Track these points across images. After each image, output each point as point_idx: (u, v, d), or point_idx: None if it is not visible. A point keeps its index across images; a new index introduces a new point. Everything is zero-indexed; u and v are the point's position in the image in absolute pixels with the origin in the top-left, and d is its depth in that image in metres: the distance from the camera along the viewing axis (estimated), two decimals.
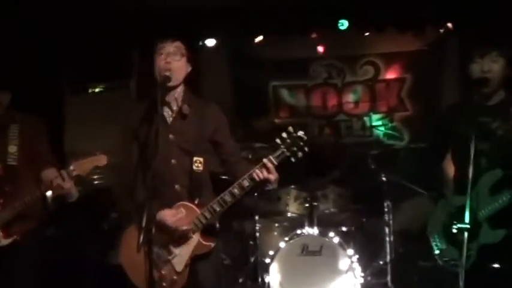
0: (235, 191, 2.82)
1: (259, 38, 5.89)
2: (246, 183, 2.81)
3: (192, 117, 2.97)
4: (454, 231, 2.77)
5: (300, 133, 2.78)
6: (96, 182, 5.77)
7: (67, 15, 5.35)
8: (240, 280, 4.93)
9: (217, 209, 2.85)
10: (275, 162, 2.78)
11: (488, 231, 2.96)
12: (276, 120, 6.41)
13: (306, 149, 2.77)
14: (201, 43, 5.86)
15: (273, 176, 2.81)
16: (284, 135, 2.78)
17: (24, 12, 5.08)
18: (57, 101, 5.84)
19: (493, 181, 3.00)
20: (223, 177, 3.12)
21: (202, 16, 5.57)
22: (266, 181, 2.81)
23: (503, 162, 3.02)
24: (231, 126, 3.13)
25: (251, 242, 5.18)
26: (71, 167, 3.13)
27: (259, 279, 4.81)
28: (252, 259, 5.02)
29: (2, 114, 3.44)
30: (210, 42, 5.84)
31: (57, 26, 5.38)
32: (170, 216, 2.86)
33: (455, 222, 2.73)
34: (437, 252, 3.23)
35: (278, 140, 2.79)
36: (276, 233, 5.06)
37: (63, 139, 5.85)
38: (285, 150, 2.77)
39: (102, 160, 3.16)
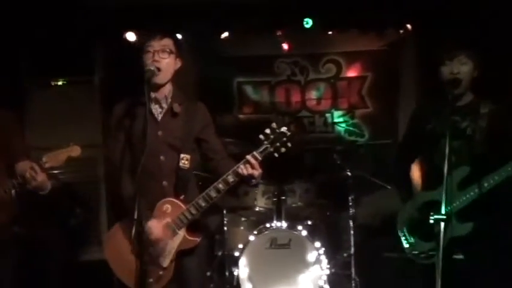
0: (220, 186, 2.88)
1: (225, 35, 5.93)
2: (230, 178, 2.87)
3: (181, 115, 3.01)
4: (427, 224, 2.89)
5: (283, 129, 2.85)
6: (61, 177, 5.70)
7: (30, 7, 5.24)
8: (208, 274, 4.99)
9: (203, 205, 2.91)
10: (259, 158, 2.85)
11: (457, 224, 3.11)
12: (241, 116, 6.47)
13: (289, 144, 2.85)
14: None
15: (256, 172, 2.88)
16: (267, 131, 2.85)
17: None
18: (18, 94, 5.71)
19: (461, 177, 3.15)
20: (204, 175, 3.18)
21: (167, 12, 5.57)
22: (250, 177, 2.87)
23: (471, 160, 3.18)
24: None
25: (217, 237, 5.25)
26: (44, 159, 3.10)
27: (227, 273, 4.89)
28: (220, 253, 5.09)
29: None
30: (178, 37, 5.83)
31: (19, 17, 5.27)
32: (158, 229, 2.87)
33: (431, 213, 2.86)
34: (406, 246, 3.35)
35: (262, 136, 2.86)
36: (243, 228, 5.14)
37: (24, 132, 5.73)
38: (269, 145, 2.84)
39: (76, 151, 3.13)
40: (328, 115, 6.45)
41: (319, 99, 6.52)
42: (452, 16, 5.23)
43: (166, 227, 2.92)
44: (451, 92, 3.20)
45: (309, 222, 4.99)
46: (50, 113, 5.80)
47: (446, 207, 2.88)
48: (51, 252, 4.90)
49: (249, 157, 2.86)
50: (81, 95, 5.88)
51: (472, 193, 3.12)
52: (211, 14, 5.67)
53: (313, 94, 6.51)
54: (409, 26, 5.90)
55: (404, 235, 3.37)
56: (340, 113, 6.46)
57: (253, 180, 2.92)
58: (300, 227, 4.72)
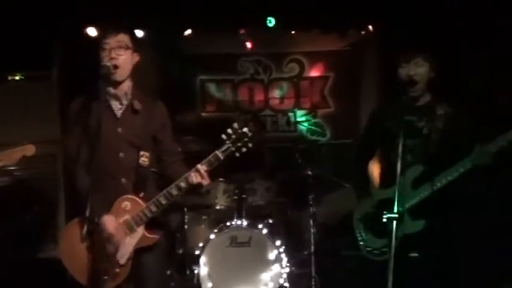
0: (182, 184, 2.87)
1: (188, 32, 5.89)
2: (182, 184, 2.88)
3: (141, 112, 2.98)
4: (381, 221, 2.94)
5: (245, 129, 2.88)
6: (17, 174, 5.58)
7: None
8: (168, 272, 4.95)
9: (163, 202, 2.90)
10: (221, 157, 2.86)
11: (409, 221, 3.18)
12: (203, 114, 6.45)
13: (250, 144, 2.88)
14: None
15: (205, 181, 2.90)
16: (229, 131, 2.87)
17: None
18: None
19: (415, 175, 3.22)
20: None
21: (130, 6, 5.49)
22: (199, 185, 2.90)
23: (425, 159, 3.25)
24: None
25: (178, 235, 5.22)
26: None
27: (188, 271, 4.86)
28: (180, 251, 5.06)
29: None
30: (138, 33, 5.76)
31: None
32: (112, 224, 2.85)
33: (385, 212, 2.91)
34: (361, 243, 3.41)
35: (224, 136, 2.87)
36: (203, 226, 5.12)
37: None
38: (231, 145, 2.86)
39: (30, 150, 3.12)
40: (290, 114, 6.49)
41: (282, 99, 6.55)
42: (412, 18, 5.31)
43: (125, 224, 2.88)
44: (407, 93, 3.26)
45: (270, 221, 5.00)
46: (6, 109, 5.65)
47: (398, 205, 2.92)
48: (4, 250, 4.78)
49: (199, 166, 2.87)
50: (38, 90, 5.74)
51: (424, 191, 3.19)
52: (173, 10, 5.62)
53: (276, 93, 6.54)
54: (370, 27, 5.98)
55: (359, 232, 3.43)
56: (302, 112, 6.51)
57: (202, 189, 2.94)
58: (260, 226, 4.73)
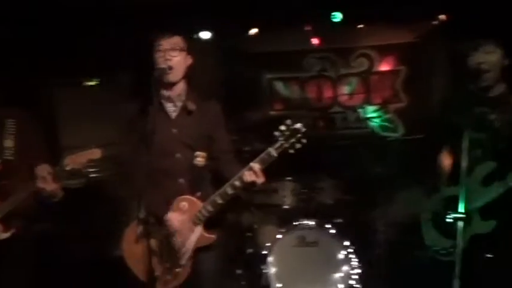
0: (237, 183, 2.84)
1: (253, 31, 5.89)
2: (237, 183, 2.86)
3: (195, 113, 3.01)
4: (449, 220, 2.79)
5: (298, 125, 2.81)
6: (92, 175, 5.79)
7: (61, 8, 5.33)
8: (238, 272, 4.96)
9: (219, 202, 2.88)
10: (275, 155, 2.80)
11: (479, 221, 3.02)
12: (271, 113, 6.41)
13: (304, 140, 2.81)
14: (194, 36, 5.84)
15: (259, 180, 2.84)
16: (282, 127, 2.81)
17: (16, 7, 5.06)
18: (50, 95, 5.83)
19: (486, 172, 3.06)
20: None
21: (195, 9, 5.56)
22: (252, 184, 2.85)
23: (497, 154, 3.08)
24: (226, 119, 3.16)
25: (248, 234, 5.22)
26: (65, 161, 3.18)
27: (257, 271, 4.85)
28: (249, 251, 5.05)
29: None
30: (204, 35, 5.83)
31: (52, 18, 5.37)
32: (177, 220, 2.88)
33: (449, 212, 2.76)
34: (428, 242, 3.30)
35: (277, 133, 2.82)
36: (272, 225, 5.09)
37: (56, 133, 5.85)
38: (284, 142, 2.80)
39: (96, 154, 3.21)
40: (360, 110, 6.33)
41: (351, 95, 6.39)
42: (486, 4, 5.03)
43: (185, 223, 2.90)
44: (476, 83, 3.07)
45: (338, 220, 4.89)
46: (81, 113, 5.89)
47: (466, 204, 2.79)
48: (78, 249, 4.97)
49: (252, 164, 2.83)
50: (111, 94, 5.93)
51: (496, 190, 3.01)
52: (237, 10, 5.63)
53: (345, 89, 6.39)
54: (443, 16, 5.71)
55: (427, 231, 3.30)
56: (373, 108, 6.32)
57: (255, 187, 2.89)
58: (328, 225, 4.63)
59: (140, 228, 2.56)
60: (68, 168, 3.18)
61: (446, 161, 3.38)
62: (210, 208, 2.90)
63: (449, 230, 3.03)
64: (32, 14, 5.24)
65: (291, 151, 2.81)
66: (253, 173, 2.82)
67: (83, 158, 3.18)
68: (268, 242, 4.75)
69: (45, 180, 3.17)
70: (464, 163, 2.80)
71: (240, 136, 4.96)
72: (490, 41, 3.12)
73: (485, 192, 3.03)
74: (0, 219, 3.31)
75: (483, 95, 3.13)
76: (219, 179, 2.96)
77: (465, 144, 2.83)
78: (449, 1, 5.48)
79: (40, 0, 5.21)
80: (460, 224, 2.72)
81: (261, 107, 6.38)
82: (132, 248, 2.81)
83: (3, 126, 3.42)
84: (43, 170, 3.25)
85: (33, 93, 5.20)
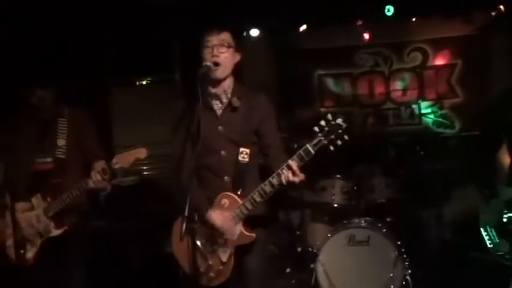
0: (274, 181, 2.79)
1: (303, 28, 5.82)
2: (274, 181, 2.77)
3: (241, 109, 2.95)
4: (504, 220, 2.65)
5: (339, 120, 2.67)
6: (145, 173, 5.90)
7: (114, 8, 5.43)
8: (288, 270, 4.93)
9: (258, 200, 2.83)
10: (312, 151, 2.72)
11: None
12: (322, 110, 6.34)
13: (346, 137, 2.66)
14: (245, 34, 5.84)
15: (297, 178, 2.74)
16: (322, 122, 2.69)
17: (69, 6, 5.18)
18: (103, 94, 5.95)
19: None
20: None
21: (245, 6, 5.55)
22: (291, 182, 2.76)
23: None
24: (276, 116, 3.10)
25: (298, 232, 5.17)
26: (114, 160, 3.24)
27: (307, 269, 4.80)
28: (299, 249, 5.01)
29: (48, 109, 3.52)
30: (254, 32, 5.82)
31: (104, 18, 5.48)
32: (219, 218, 2.87)
33: (505, 211, 2.62)
34: (490, 246, 3.17)
35: (316, 128, 2.70)
36: (322, 224, 5.01)
37: (110, 132, 5.98)
38: (323, 138, 2.68)
39: (142, 153, 3.25)
40: (414, 106, 6.17)
41: (404, 90, 6.25)
42: None
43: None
44: None
45: (390, 219, 4.77)
46: (134, 112, 6.00)
47: None
48: (133, 245, 5.06)
49: (290, 162, 2.73)
50: (163, 93, 6.01)
51: None
52: (289, 7, 5.58)
53: (398, 85, 6.25)
54: (501, 7, 5.48)
55: (488, 234, 3.18)
56: (427, 103, 6.16)
57: (295, 185, 2.80)
58: (379, 224, 4.52)
59: (184, 226, 2.56)
60: (116, 166, 3.24)
61: (505, 159, 3.24)
62: (249, 206, 2.84)
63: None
64: (87, 14, 5.36)
65: (331, 148, 2.68)
66: (291, 172, 2.74)
67: (131, 157, 3.24)
68: (318, 241, 4.68)
69: (101, 176, 3.26)
70: None
71: (289, 133, 4.92)
72: None
73: None
74: (53, 216, 3.41)
75: None
76: (266, 176, 2.90)
77: None
78: None
79: (96, 2, 5.33)
80: None
81: (312, 104, 6.34)
82: (179, 245, 2.82)
83: (56, 125, 3.52)
84: (99, 166, 3.33)
85: (87, 92, 5.32)
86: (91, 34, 5.44)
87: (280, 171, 2.76)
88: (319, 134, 2.69)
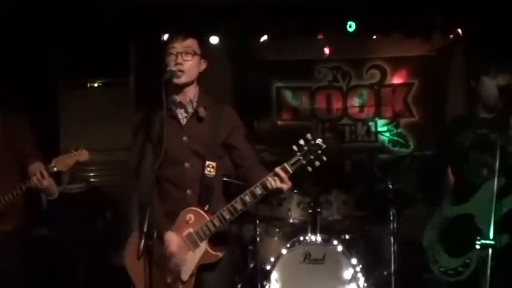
0: (247, 198, 2.66)
1: (264, 38, 5.73)
2: (258, 191, 2.65)
3: (207, 119, 2.81)
4: (477, 247, 2.68)
5: (319, 141, 2.60)
6: (92, 180, 5.64)
7: (67, 9, 5.21)
8: (239, 286, 4.79)
9: (228, 217, 2.69)
10: (290, 171, 2.62)
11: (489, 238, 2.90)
12: (279, 123, 6.26)
13: (324, 158, 2.60)
14: (205, 40, 5.69)
15: (285, 186, 2.65)
16: (301, 142, 2.61)
17: (21, 6, 4.94)
18: (52, 95, 5.69)
19: (494, 189, 2.93)
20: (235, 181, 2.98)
21: (205, 13, 5.42)
22: (278, 191, 2.66)
23: (504, 172, 2.99)
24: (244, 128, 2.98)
25: (250, 247, 5.04)
26: (52, 163, 3.10)
27: (259, 286, 4.66)
28: (252, 265, 4.87)
29: None
30: (213, 40, 5.68)
31: (56, 19, 5.24)
32: (175, 242, 2.71)
33: (478, 238, 2.64)
34: (433, 261, 3.20)
35: (295, 147, 2.61)
36: (276, 239, 4.91)
37: (58, 135, 5.72)
38: (301, 158, 2.60)
39: (83, 156, 3.12)
40: (371, 124, 6.17)
41: (361, 107, 6.24)
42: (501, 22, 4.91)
43: (188, 238, 2.72)
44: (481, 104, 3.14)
45: (346, 237, 4.71)
46: (84, 114, 5.75)
47: (470, 223, 2.87)
48: (77, 255, 4.81)
49: (278, 170, 2.62)
50: (116, 97, 5.80)
51: (505, 206, 2.96)
52: (250, 16, 5.49)
53: (355, 101, 6.24)
54: (459, 30, 5.57)
55: (432, 251, 3.22)
56: (384, 121, 6.17)
57: (281, 195, 2.69)
58: (335, 242, 4.45)
59: (142, 243, 2.37)
60: (54, 169, 3.09)
61: (450, 179, 3.36)
62: (217, 223, 2.70)
63: (456, 249, 3.01)
64: (38, 13, 5.12)
65: (309, 169, 2.61)
66: (278, 179, 2.61)
67: (71, 160, 3.10)
68: (271, 257, 4.56)
69: (42, 175, 3.08)
70: (495, 185, 2.72)
71: None
72: (499, 64, 3.09)
73: (496, 208, 2.89)
74: None
75: (483, 117, 3.16)
76: (231, 191, 2.77)
77: (471, 164, 2.86)
78: (467, 16, 5.35)
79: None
80: (490, 251, 2.59)
81: (269, 116, 6.24)
82: (134, 262, 2.63)
83: None
84: (36, 168, 3.17)
85: (33, 94, 5.06)
86: (42, 34, 5.18)
87: (265, 180, 2.63)
88: (298, 154, 2.60)
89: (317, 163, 2.60)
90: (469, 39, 5.54)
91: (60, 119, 5.71)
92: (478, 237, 2.68)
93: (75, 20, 5.31)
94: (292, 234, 4.75)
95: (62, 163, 3.07)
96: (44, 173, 3.08)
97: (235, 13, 5.47)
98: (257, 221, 4.79)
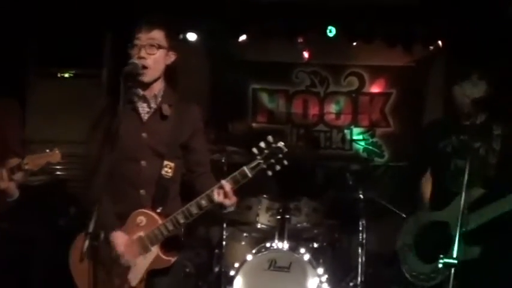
0: (203, 202, 2.52)
1: (242, 38, 5.62)
2: (203, 202, 2.51)
3: (170, 118, 2.66)
4: (440, 265, 2.60)
5: (280, 144, 2.46)
6: (58, 173, 5.44)
7: None
8: None
9: (182, 221, 2.54)
10: (249, 175, 2.49)
11: (464, 247, 2.86)
12: (254, 125, 6.16)
13: (285, 162, 2.46)
14: (181, 36, 5.55)
15: (229, 201, 2.51)
16: (262, 144, 2.46)
17: None
18: (20, 83, 5.48)
19: (473, 199, 2.96)
20: None
21: (184, 7, 5.28)
22: (221, 205, 2.53)
23: (483, 181, 3.02)
24: (205, 126, 2.85)
25: (216, 251, 4.91)
26: (25, 160, 2.98)
27: None
28: (216, 269, 4.74)
29: None
30: (191, 36, 5.54)
31: (29, 8, 5.07)
32: (122, 243, 2.55)
33: (441, 256, 2.63)
34: (405, 266, 3.18)
35: (255, 150, 2.47)
36: (243, 243, 4.77)
37: (23, 125, 5.51)
38: (262, 161, 2.45)
39: (55, 157, 3.00)
40: (346, 131, 6.11)
41: (338, 114, 6.18)
42: (483, 36, 4.87)
43: (138, 241, 2.57)
44: (461, 111, 3.10)
45: (315, 245, 4.60)
46: (54, 105, 5.56)
47: (443, 230, 2.82)
48: (37, 251, 4.62)
49: (223, 182, 2.49)
50: (87, 88, 5.61)
51: (483, 216, 2.93)
52: (228, 14, 5.37)
53: (332, 107, 6.18)
54: (439, 42, 5.53)
55: (404, 255, 3.20)
56: (359, 130, 6.11)
57: (225, 209, 2.56)
58: (302, 250, 4.33)
59: (87, 243, 2.22)
60: (26, 167, 2.98)
61: (427, 186, 3.32)
62: (170, 227, 2.54)
63: (429, 255, 2.98)
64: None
65: (270, 173, 2.47)
66: (222, 193, 2.50)
67: (42, 160, 2.98)
68: (236, 262, 4.43)
69: (1, 177, 2.99)
70: (462, 199, 2.68)
71: (218, 146, 4.68)
72: (477, 71, 3.07)
73: (470, 218, 2.92)
74: None
75: (465, 122, 3.12)
76: (188, 194, 2.63)
77: (465, 175, 2.74)
78: (448, 28, 5.31)
79: None
80: (452, 270, 2.54)
81: (244, 118, 6.13)
82: (78, 264, 2.47)
83: None
84: (9, 164, 3.04)
85: (7, 83, 4.87)
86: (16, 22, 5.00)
87: (210, 193, 2.50)
88: (258, 157, 2.46)
89: (277, 167, 2.46)
90: (452, 51, 5.50)
91: (27, 107, 5.48)
92: (441, 256, 2.63)
93: (50, 8, 5.13)
94: (260, 239, 4.62)
95: (33, 162, 2.96)
96: (4, 176, 2.98)
97: (214, 10, 5.34)
98: (224, 225, 4.66)
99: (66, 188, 5.26)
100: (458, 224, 2.67)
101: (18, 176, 3.04)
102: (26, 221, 4.71)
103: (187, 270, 4.86)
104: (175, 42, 2.73)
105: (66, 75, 5.72)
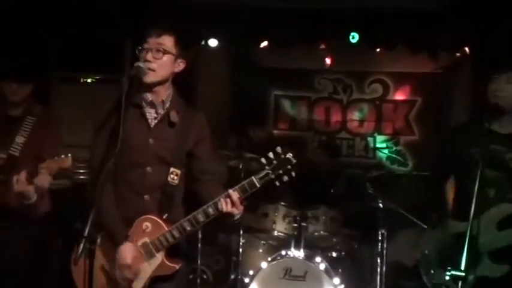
0: (210, 210, 2.50)
1: (264, 44, 5.58)
2: (210, 210, 2.50)
3: (177, 125, 2.65)
4: (447, 277, 2.52)
5: (289, 155, 2.45)
6: (81, 177, 5.47)
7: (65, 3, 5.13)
8: None
9: (188, 229, 2.52)
10: (258, 185, 2.45)
11: (489, 264, 2.84)
12: (275, 132, 6.11)
13: (293, 173, 2.45)
14: (203, 43, 5.55)
15: (236, 210, 2.49)
16: (271, 155, 2.46)
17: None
18: (44, 87, 5.56)
19: (503, 215, 2.86)
20: None
21: (206, 14, 5.29)
22: (228, 215, 2.50)
23: None
24: (226, 133, 2.83)
25: (234, 258, 4.86)
26: (43, 165, 3.10)
27: None
28: (233, 276, 4.70)
29: (19, 104, 3.40)
30: (212, 43, 5.54)
31: (53, 13, 5.16)
32: (130, 254, 2.54)
33: (449, 268, 2.56)
34: (427, 276, 3.09)
35: (263, 160, 2.46)
36: (260, 251, 4.73)
37: None
38: (270, 172, 2.44)
39: (66, 162, 3.10)
40: (370, 139, 6.00)
41: (361, 121, 6.08)
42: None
43: (143, 247, 2.56)
44: (493, 116, 2.94)
45: (332, 254, 4.52)
46: (76, 110, 5.60)
47: (474, 246, 2.67)
48: (53, 254, 4.65)
49: (231, 191, 2.48)
50: (110, 94, 5.64)
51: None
52: (252, 21, 5.34)
53: (355, 115, 6.08)
54: (467, 49, 5.38)
55: (426, 265, 3.09)
56: (383, 137, 6.00)
57: (231, 219, 2.52)
58: (318, 259, 4.26)
59: (81, 247, 2.21)
60: (43, 171, 3.10)
61: (451, 193, 3.23)
62: (176, 234, 2.53)
63: (452, 266, 2.81)
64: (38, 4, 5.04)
65: (277, 183, 2.46)
66: (230, 202, 2.47)
67: (55, 165, 3.10)
68: (252, 270, 4.38)
69: (17, 181, 3.09)
70: (472, 207, 2.60)
71: (235, 152, 4.64)
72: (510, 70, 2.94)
73: (500, 236, 2.84)
74: None
75: (497, 131, 2.96)
76: (193, 202, 2.60)
77: (476, 182, 2.64)
78: (475, 34, 5.17)
79: None
80: (460, 283, 2.45)
81: (265, 124, 6.09)
82: (75, 267, 2.49)
83: (22, 122, 3.38)
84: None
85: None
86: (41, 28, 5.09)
87: (218, 201, 2.48)
88: (267, 167, 2.45)
89: (285, 178, 2.46)
90: (477, 58, 5.35)
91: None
92: (449, 268, 2.55)
93: (73, 13, 5.20)
94: (276, 247, 4.57)
95: (49, 167, 3.08)
96: (22, 178, 3.07)
97: (236, 17, 5.33)
98: (241, 231, 4.62)
99: (85, 192, 5.30)
100: (467, 235, 2.55)
101: (40, 179, 3.12)
102: (42, 224, 4.77)
103: (205, 277, 4.85)
104: (186, 51, 2.70)
105: (89, 80, 5.78)
